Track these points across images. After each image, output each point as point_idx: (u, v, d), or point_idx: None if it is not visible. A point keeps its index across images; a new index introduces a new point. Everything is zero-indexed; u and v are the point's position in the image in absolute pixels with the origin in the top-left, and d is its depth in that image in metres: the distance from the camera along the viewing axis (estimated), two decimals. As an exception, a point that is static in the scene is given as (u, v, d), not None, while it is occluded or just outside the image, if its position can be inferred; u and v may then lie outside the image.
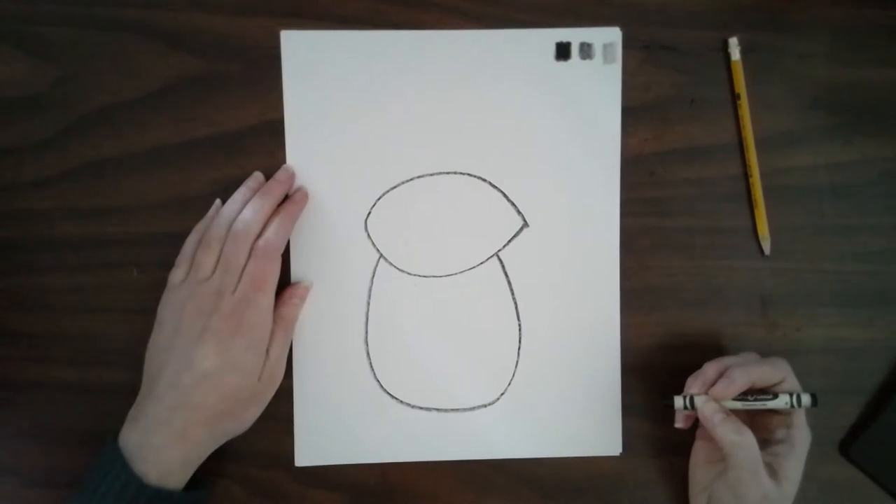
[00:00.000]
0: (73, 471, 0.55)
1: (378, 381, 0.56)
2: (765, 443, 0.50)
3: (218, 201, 0.55)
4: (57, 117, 0.55)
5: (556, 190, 0.56)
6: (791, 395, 0.50)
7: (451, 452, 0.56)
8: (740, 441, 0.49)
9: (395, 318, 0.56)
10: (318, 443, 0.56)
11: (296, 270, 0.55)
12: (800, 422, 0.51)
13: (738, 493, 0.49)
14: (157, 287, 0.55)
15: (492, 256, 0.56)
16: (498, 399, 0.56)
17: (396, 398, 0.56)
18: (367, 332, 0.56)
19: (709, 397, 0.50)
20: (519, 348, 0.56)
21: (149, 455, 0.48)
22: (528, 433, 0.56)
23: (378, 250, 0.56)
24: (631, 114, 0.56)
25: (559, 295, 0.56)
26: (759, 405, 0.50)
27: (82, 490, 0.48)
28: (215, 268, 0.51)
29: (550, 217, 0.56)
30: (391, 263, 0.56)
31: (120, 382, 0.55)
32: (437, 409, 0.56)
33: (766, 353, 0.56)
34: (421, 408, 0.56)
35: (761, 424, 0.52)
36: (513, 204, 0.56)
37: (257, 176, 0.55)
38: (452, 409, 0.56)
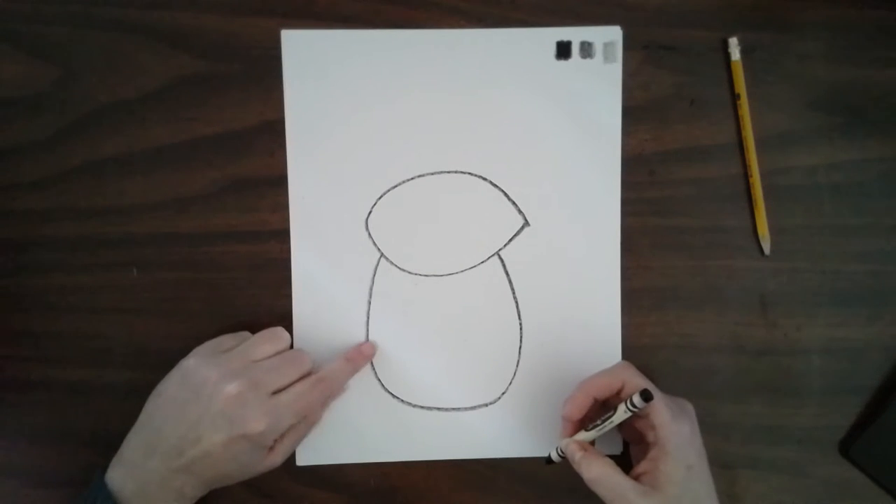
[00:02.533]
0: (73, 471, 0.55)
1: (379, 379, 0.56)
2: (644, 450, 0.49)
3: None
4: (57, 117, 0.55)
5: (556, 189, 0.56)
6: (626, 401, 0.47)
7: (452, 452, 0.56)
8: (594, 477, 0.48)
9: (397, 317, 0.56)
10: (318, 443, 0.56)
11: (297, 270, 0.55)
12: (661, 420, 0.48)
13: None
14: (157, 287, 0.55)
15: (493, 255, 0.56)
16: (499, 398, 0.56)
17: (397, 397, 0.56)
18: (368, 331, 0.56)
19: (570, 439, 0.50)
20: (520, 347, 0.56)
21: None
22: (528, 433, 0.56)
23: (379, 249, 0.56)
24: (631, 114, 0.56)
25: (560, 294, 0.56)
26: (607, 426, 0.49)
27: None
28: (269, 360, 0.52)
29: (551, 216, 0.56)
30: (392, 262, 0.56)
31: (120, 382, 0.55)
32: (438, 409, 0.56)
33: (765, 352, 0.57)
34: (422, 407, 0.56)
35: (638, 433, 0.51)
36: (513, 203, 0.56)
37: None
38: (453, 409, 0.56)
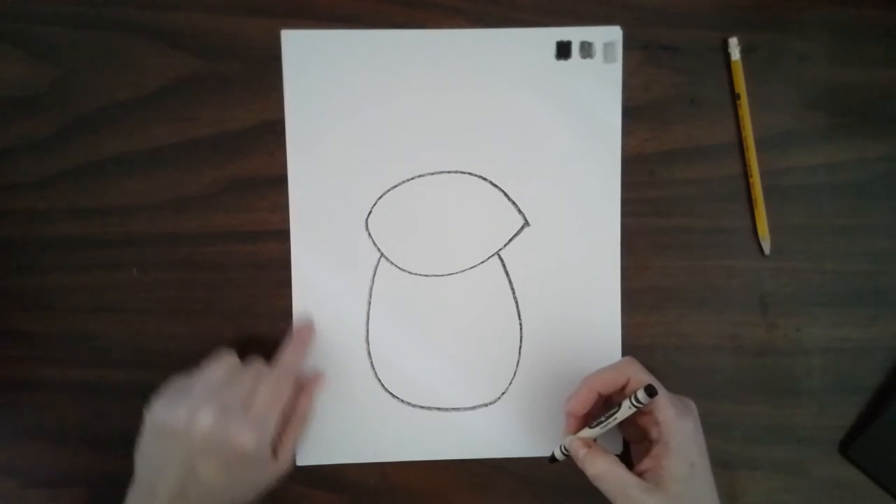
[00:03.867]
0: (73, 471, 0.55)
1: (379, 380, 0.56)
2: (648, 447, 0.49)
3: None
4: (57, 117, 0.55)
5: (556, 189, 0.56)
6: (630, 396, 0.47)
7: (451, 452, 0.56)
8: (598, 473, 0.48)
9: (397, 317, 0.56)
10: (318, 443, 0.56)
11: (297, 270, 0.55)
12: (665, 416, 0.48)
13: None
14: (157, 287, 0.55)
15: (493, 255, 0.56)
16: (498, 398, 0.56)
17: (397, 397, 0.56)
18: (368, 332, 0.56)
19: (573, 436, 0.50)
20: (520, 347, 0.56)
21: None
22: (529, 433, 0.56)
23: (379, 249, 0.56)
24: (631, 114, 0.56)
25: (560, 294, 0.56)
26: (611, 422, 0.48)
27: None
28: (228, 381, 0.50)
29: (551, 216, 0.56)
30: (392, 262, 0.56)
31: (120, 382, 0.55)
32: (438, 409, 0.56)
33: (765, 352, 0.57)
34: (422, 407, 0.56)
35: (640, 430, 0.50)
36: (513, 203, 0.56)
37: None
38: (453, 409, 0.56)
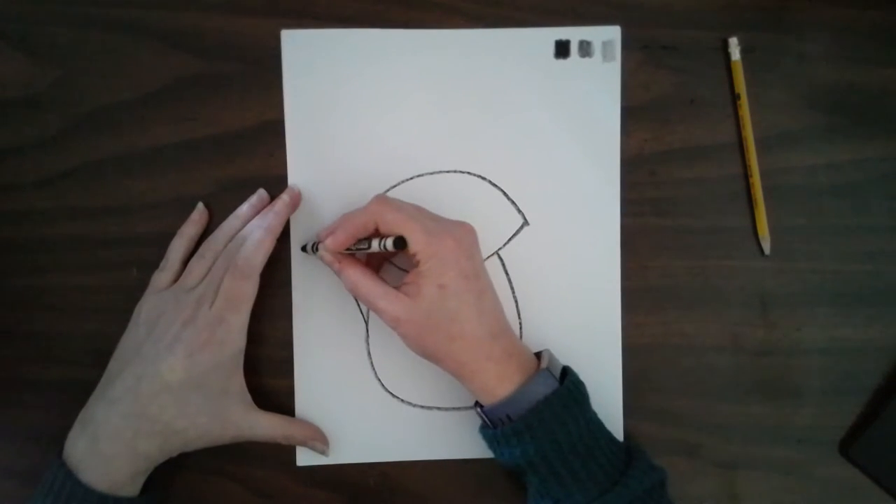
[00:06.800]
0: (72, 471, 0.55)
1: (379, 379, 0.56)
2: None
3: (200, 204, 0.55)
4: (57, 117, 0.55)
5: (556, 188, 0.56)
6: (381, 239, 0.48)
7: (452, 452, 0.56)
8: (349, 282, 0.50)
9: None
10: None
11: (297, 270, 0.55)
12: (414, 244, 0.48)
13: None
14: (157, 287, 0.55)
15: (492, 255, 0.56)
16: (498, 398, 0.56)
17: (398, 397, 0.56)
18: (368, 331, 0.56)
19: (328, 252, 0.51)
20: (519, 347, 0.56)
21: (98, 465, 0.48)
22: (529, 433, 0.56)
23: (379, 249, 0.56)
24: (631, 114, 0.56)
25: (560, 294, 0.56)
26: (362, 250, 0.50)
27: None
28: (203, 279, 0.52)
29: (551, 216, 0.56)
30: (392, 262, 0.56)
31: (120, 382, 0.55)
32: (438, 408, 0.56)
33: (765, 352, 0.56)
34: (422, 407, 0.56)
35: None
36: (513, 202, 0.56)
37: (261, 194, 0.55)
38: (453, 409, 0.56)
